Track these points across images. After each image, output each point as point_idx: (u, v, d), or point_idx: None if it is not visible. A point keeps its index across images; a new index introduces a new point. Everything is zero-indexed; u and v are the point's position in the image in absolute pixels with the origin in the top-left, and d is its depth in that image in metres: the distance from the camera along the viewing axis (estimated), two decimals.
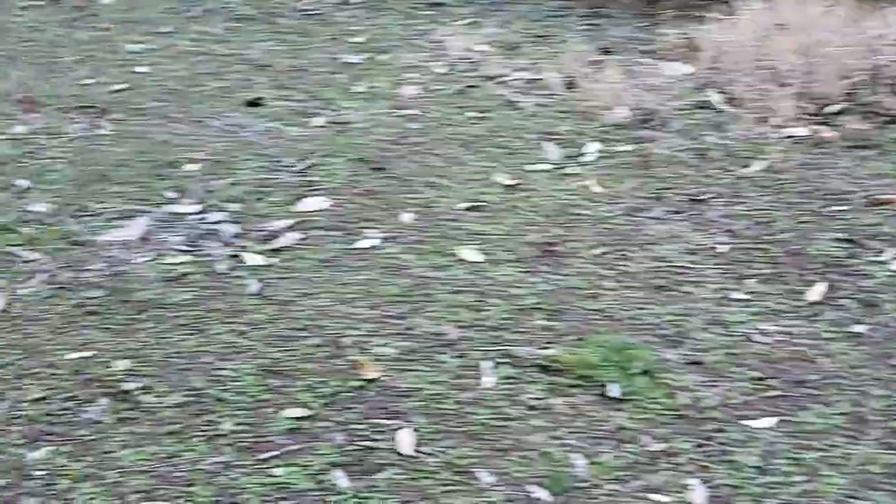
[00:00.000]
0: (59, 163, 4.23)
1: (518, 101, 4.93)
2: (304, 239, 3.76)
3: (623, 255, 3.72)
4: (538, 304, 3.41)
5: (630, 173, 4.28)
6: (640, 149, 4.48)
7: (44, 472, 2.72)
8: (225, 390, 3.00)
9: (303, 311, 3.36)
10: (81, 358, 3.13)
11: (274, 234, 3.79)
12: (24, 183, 4.07)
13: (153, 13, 5.92)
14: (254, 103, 4.82)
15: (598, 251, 3.73)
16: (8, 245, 3.70)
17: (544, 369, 3.10)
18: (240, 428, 2.87)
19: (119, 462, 2.75)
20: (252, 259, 3.63)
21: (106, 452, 2.78)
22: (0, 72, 5.03)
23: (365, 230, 3.82)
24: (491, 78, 5.18)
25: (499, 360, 3.14)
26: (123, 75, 5.09)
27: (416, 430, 2.85)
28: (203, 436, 2.84)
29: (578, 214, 3.97)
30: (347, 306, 3.38)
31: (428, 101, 4.90)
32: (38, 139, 4.42)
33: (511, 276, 3.56)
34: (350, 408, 2.95)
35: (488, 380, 3.06)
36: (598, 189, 4.15)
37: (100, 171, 4.17)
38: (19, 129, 4.49)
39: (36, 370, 3.08)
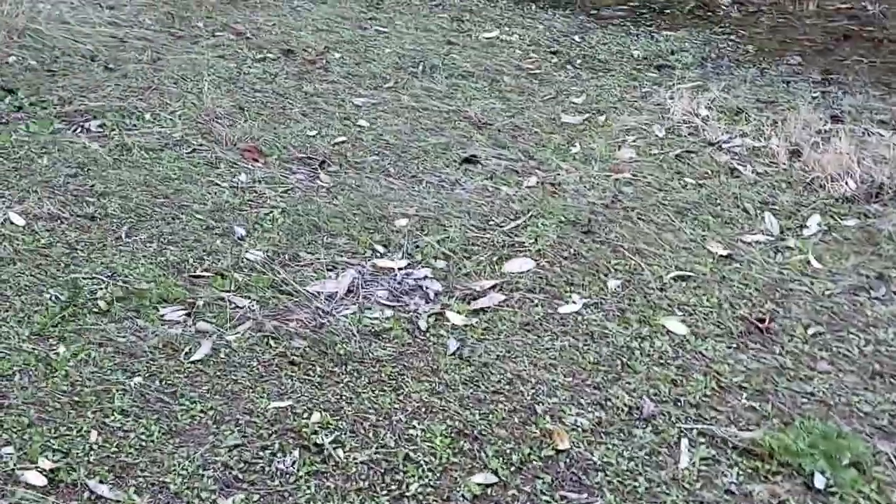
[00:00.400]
0: (277, 212, 4.32)
1: (738, 169, 4.79)
2: (506, 300, 3.72)
3: (840, 336, 3.56)
4: (743, 382, 3.29)
5: (853, 249, 4.10)
6: (865, 224, 4.30)
7: None
8: (415, 450, 2.99)
9: (500, 374, 3.32)
10: (279, 408, 3.17)
11: (477, 294, 3.77)
12: (241, 230, 4.17)
13: (379, 68, 6.02)
14: (469, 160, 4.83)
15: (812, 330, 3.58)
16: (222, 290, 3.77)
17: (745, 452, 2.98)
18: (427, 490, 2.86)
19: None
20: (454, 318, 3.62)
21: None
22: (229, 121, 5.19)
23: (569, 294, 3.76)
24: (712, 143, 5.06)
25: (697, 439, 3.02)
26: (345, 128, 5.18)
27: None
28: (389, 495, 2.84)
29: (794, 290, 3.82)
30: (545, 372, 3.33)
31: (644, 165, 4.82)
32: (259, 188, 4.52)
33: (716, 350, 3.44)
34: (539, 477, 2.89)
35: (684, 459, 2.95)
36: (817, 264, 3.99)
37: (314, 222, 4.24)
38: (242, 177, 4.61)
39: (235, 417, 3.13)
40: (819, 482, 2.86)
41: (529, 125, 5.29)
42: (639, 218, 4.31)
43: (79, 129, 5.04)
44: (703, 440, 3.03)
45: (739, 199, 4.51)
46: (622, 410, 3.15)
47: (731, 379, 3.30)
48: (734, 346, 3.48)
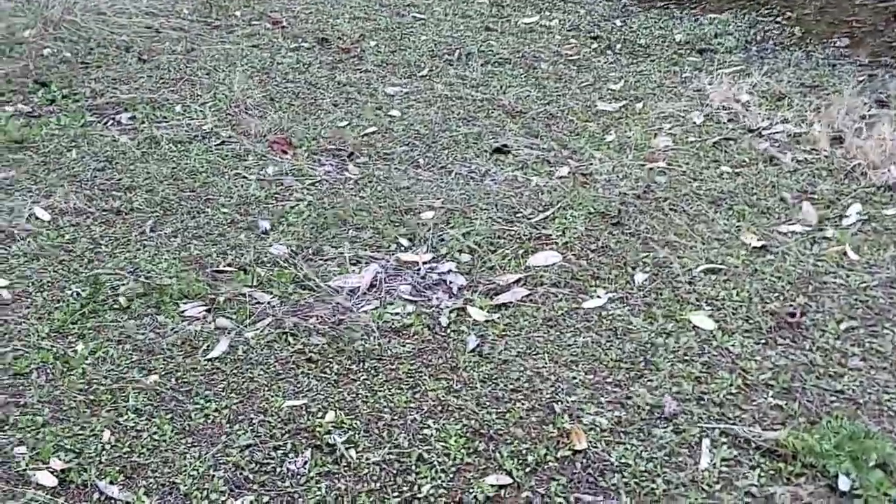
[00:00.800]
0: (303, 205, 4.27)
1: (778, 157, 4.67)
2: (529, 295, 3.65)
3: (874, 330, 3.44)
4: (770, 379, 3.19)
5: (893, 240, 3.98)
6: None
7: None
8: (429, 450, 2.93)
9: (519, 371, 3.25)
10: (294, 406, 3.12)
11: (501, 289, 3.69)
12: (266, 224, 4.12)
13: (414, 56, 5.95)
14: (500, 150, 4.76)
15: (845, 325, 3.47)
16: (244, 286, 3.73)
17: (768, 453, 2.89)
18: (439, 492, 2.80)
19: None
20: (475, 314, 3.55)
21: None
22: (260, 112, 5.15)
23: (594, 289, 3.68)
24: (751, 130, 4.94)
25: (719, 439, 2.94)
26: (376, 118, 5.12)
27: None
28: (400, 496, 2.78)
29: (828, 283, 3.71)
30: (565, 369, 3.25)
31: (680, 153, 4.71)
32: (286, 180, 4.48)
33: (744, 347, 3.34)
34: (554, 479, 2.82)
35: (705, 460, 2.86)
36: (854, 256, 3.87)
37: (339, 216, 4.18)
38: (270, 170, 4.57)
39: (249, 416, 3.09)
40: (843, 484, 2.76)
41: (564, 113, 5.20)
42: (671, 208, 4.21)
43: (109, 122, 5.04)
44: (725, 440, 2.94)
45: (777, 187, 4.40)
46: (643, 409, 3.06)
47: (757, 376, 3.20)
48: (763, 341, 3.38)
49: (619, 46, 6.15)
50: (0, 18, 6.28)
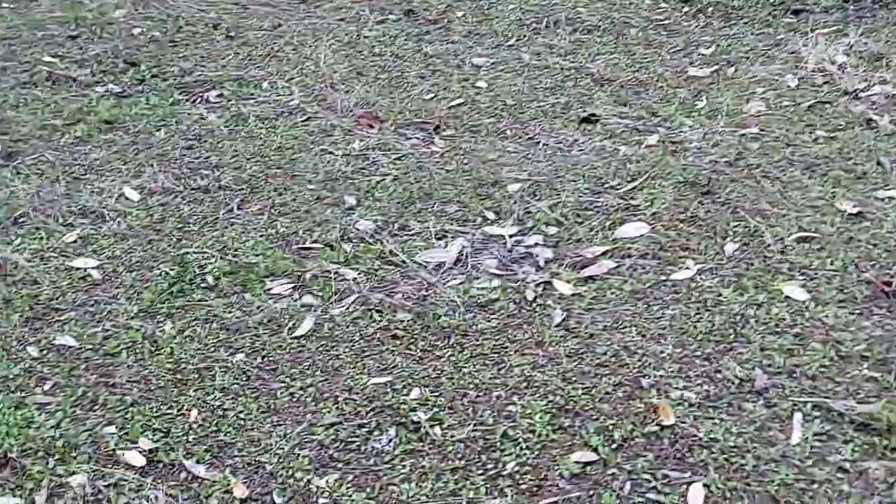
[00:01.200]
0: (388, 180, 4.25)
1: (875, 119, 4.54)
2: (617, 267, 3.59)
3: None
4: (865, 351, 3.10)
5: None
6: None
7: (327, 501, 2.71)
8: (514, 427, 2.90)
9: (606, 346, 3.20)
10: (378, 384, 3.11)
11: (588, 261, 3.64)
12: (351, 200, 4.12)
13: (502, 25, 5.90)
14: (588, 120, 4.69)
15: None
16: (330, 262, 3.73)
17: (862, 427, 2.81)
18: (523, 469, 2.77)
19: (400, 496, 2.71)
20: (561, 287, 3.50)
21: (388, 485, 2.75)
22: (346, 86, 5.14)
23: (683, 260, 3.61)
24: (848, 93, 4.81)
25: (811, 413, 2.87)
26: (463, 90, 5.09)
27: (707, 485, 2.64)
28: (485, 474, 2.76)
29: None
30: (653, 343, 3.19)
31: (773, 119, 4.60)
32: (373, 155, 4.47)
33: (837, 318, 3.25)
34: (641, 455, 2.78)
35: (796, 435, 2.79)
36: None
37: (425, 190, 4.16)
38: (356, 144, 4.56)
39: (334, 394, 3.09)
40: None
41: (654, 80, 5.12)
42: (763, 176, 4.11)
43: (197, 100, 5.07)
44: (817, 414, 2.86)
45: (874, 151, 4.28)
46: (732, 383, 3.00)
47: (851, 348, 3.11)
48: (857, 312, 3.28)
49: (710, 10, 6.02)
50: (92, 0, 6.35)
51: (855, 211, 3.84)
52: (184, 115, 4.90)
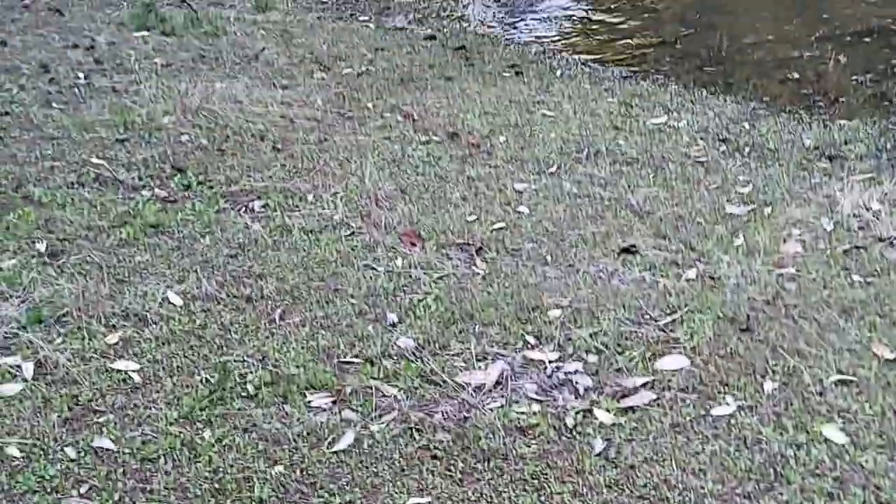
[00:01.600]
0: (430, 298, 4.30)
1: None
2: (657, 399, 3.61)
3: None
4: None
5: None
6: None
7: None
8: None
9: (646, 478, 3.21)
10: None
11: (628, 391, 3.66)
12: (393, 316, 4.16)
13: (543, 153, 5.99)
14: (628, 250, 4.74)
15: None
16: (371, 378, 3.76)
17: None
18: None
19: None
20: (602, 416, 3.52)
21: None
22: (389, 204, 5.22)
23: (722, 396, 3.62)
24: (883, 239, 4.86)
25: None
26: (505, 214, 5.15)
27: None
28: None
29: None
30: (693, 478, 3.20)
31: (809, 260, 4.65)
32: (415, 273, 4.52)
33: (877, 463, 3.26)
34: None
35: None
36: None
37: (467, 310, 4.20)
38: (399, 262, 4.61)
39: None
40: None
41: (692, 215, 5.17)
42: (800, 316, 4.14)
43: (242, 209, 5.14)
44: None
45: None
46: None
47: (891, 494, 3.11)
48: None
49: (747, 150, 6.11)
50: (141, 105, 6.48)
51: (892, 357, 3.86)
52: (228, 223, 4.96)
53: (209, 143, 5.96)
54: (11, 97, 6.56)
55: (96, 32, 8.21)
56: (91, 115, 6.32)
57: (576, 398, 3.65)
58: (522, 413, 3.56)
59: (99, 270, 4.48)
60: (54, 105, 6.48)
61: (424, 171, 5.69)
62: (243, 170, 5.60)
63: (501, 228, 5.01)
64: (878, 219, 5.05)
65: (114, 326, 4.09)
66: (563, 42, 9.21)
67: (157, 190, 5.35)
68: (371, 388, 3.70)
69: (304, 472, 3.27)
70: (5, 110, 6.32)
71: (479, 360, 3.87)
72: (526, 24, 9.81)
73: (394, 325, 4.12)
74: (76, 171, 5.52)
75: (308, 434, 3.45)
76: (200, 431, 3.46)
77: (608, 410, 3.55)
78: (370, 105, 6.82)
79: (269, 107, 6.63)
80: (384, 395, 3.66)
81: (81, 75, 7.04)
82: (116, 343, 3.97)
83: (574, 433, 3.45)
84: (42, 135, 5.97)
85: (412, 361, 3.86)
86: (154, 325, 4.09)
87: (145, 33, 8.23)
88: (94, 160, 5.61)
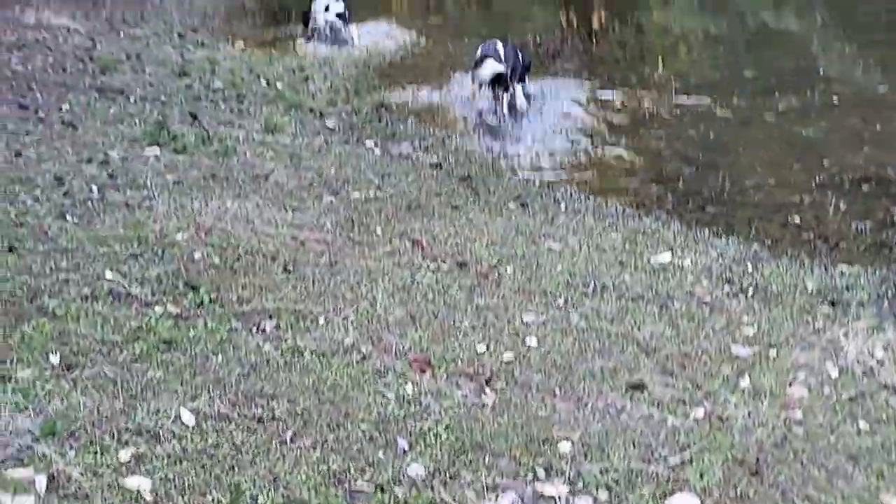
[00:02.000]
0: (440, 427, 4.33)
1: None
2: None
3: None
4: None
5: None
6: None
7: None
8: None
9: None
10: None
11: None
12: (404, 443, 4.19)
13: (551, 285, 6.06)
14: (636, 386, 4.80)
15: None
16: None
17: None
18: None
19: None
20: None
21: None
22: (400, 330, 5.27)
23: None
24: (887, 387, 4.91)
25: None
26: (514, 345, 5.21)
27: None
28: None
29: None
30: None
31: (815, 405, 4.70)
32: (425, 401, 4.55)
33: None
34: None
35: None
36: None
37: (477, 440, 4.23)
38: (409, 388, 4.65)
39: None
40: None
41: (699, 354, 5.23)
42: (809, 461, 4.18)
43: (254, 329, 5.18)
44: None
45: None
46: None
47: None
48: None
49: (751, 291, 6.18)
50: (154, 220, 6.56)
51: None
52: (240, 342, 5.00)
53: (221, 262, 6.02)
54: (26, 208, 6.63)
55: (109, 147, 8.31)
56: (105, 229, 6.39)
57: None
58: None
59: (112, 385, 4.50)
60: (68, 218, 6.55)
61: (434, 299, 5.75)
62: (255, 290, 5.66)
63: (511, 360, 5.05)
64: (882, 366, 5.10)
65: (126, 442, 4.10)
66: (567, 175, 9.33)
67: (169, 306, 5.38)
68: None
69: None
70: (20, 221, 6.38)
71: (489, 491, 3.89)
72: (528, 155, 9.90)
73: (405, 451, 4.15)
74: (90, 284, 5.56)
75: None
76: None
77: None
78: (379, 230, 6.91)
79: (279, 228, 6.72)
80: None
81: (95, 189, 7.12)
82: (129, 460, 3.98)
83: None
84: (56, 247, 6.03)
85: (423, 490, 3.88)
86: (166, 443, 4.11)
87: (157, 150, 8.34)
88: (108, 274, 5.66)
